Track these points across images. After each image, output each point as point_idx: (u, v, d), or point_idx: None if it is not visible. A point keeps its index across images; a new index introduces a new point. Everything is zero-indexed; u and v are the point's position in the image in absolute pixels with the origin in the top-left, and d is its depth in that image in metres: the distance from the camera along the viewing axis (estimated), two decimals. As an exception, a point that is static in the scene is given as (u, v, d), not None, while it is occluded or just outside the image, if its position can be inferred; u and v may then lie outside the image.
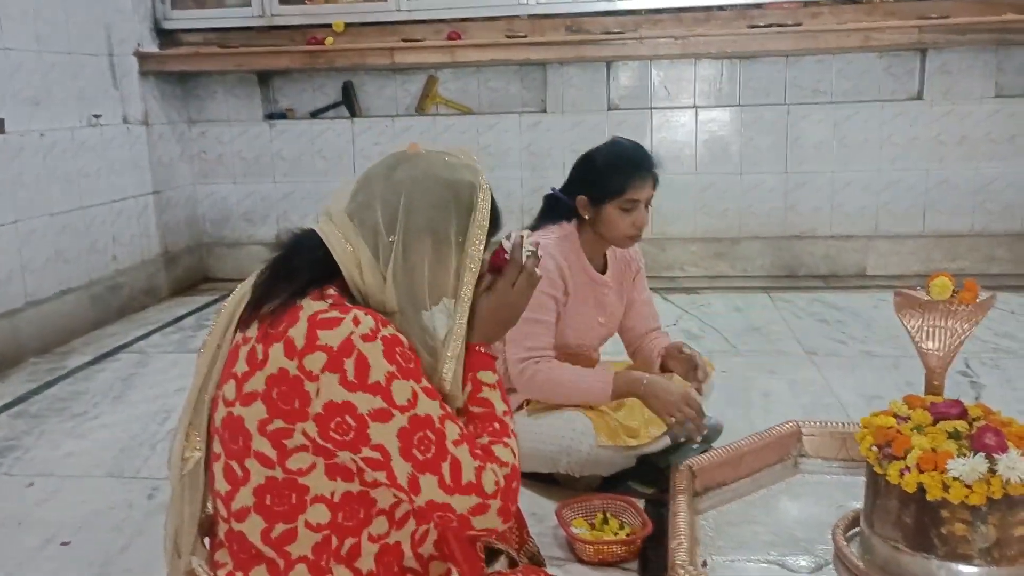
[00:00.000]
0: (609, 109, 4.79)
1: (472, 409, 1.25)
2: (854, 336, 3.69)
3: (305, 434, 1.12)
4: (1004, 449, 1.57)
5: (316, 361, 1.09)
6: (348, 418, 1.09)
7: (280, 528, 1.16)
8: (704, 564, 1.82)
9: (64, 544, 2.16)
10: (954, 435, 1.65)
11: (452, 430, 1.14)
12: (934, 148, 4.63)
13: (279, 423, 1.12)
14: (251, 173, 5.12)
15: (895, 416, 1.76)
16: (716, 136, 4.78)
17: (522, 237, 1.34)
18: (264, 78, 5.05)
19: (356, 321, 1.11)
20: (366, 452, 1.11)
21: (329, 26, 4.75)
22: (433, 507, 1.13)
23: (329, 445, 1.12)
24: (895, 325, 3.35)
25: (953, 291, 1.92)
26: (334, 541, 1.18)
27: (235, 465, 1.17)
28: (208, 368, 1.23)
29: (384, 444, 1.10)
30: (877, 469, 1.69)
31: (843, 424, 2.33)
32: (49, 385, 3.38)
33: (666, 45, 4.41)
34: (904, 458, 1.63)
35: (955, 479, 1.56)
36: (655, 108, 4.80)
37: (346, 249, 1.20)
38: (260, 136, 5.07)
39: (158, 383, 3.37)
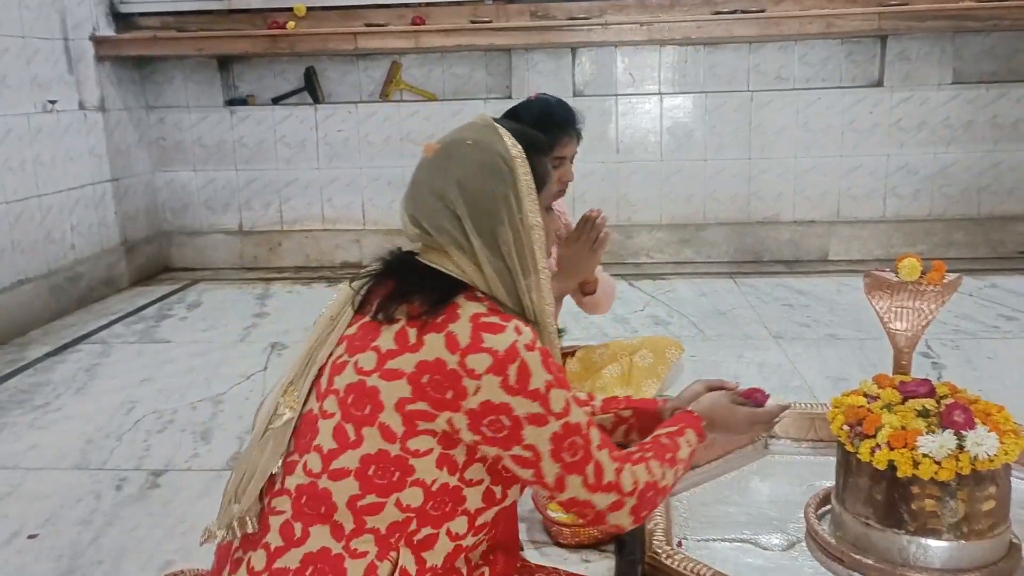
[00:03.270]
0: (574, 95, 4.78)
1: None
2: (818, 319, 3.75)
3: (450, 422, 1.17)
4: (972, 426, 1.61)
5: (480, 361, 1.15)
6: (503, 418, 1.16)
7: (370, 499, 1.18)
8: (679, 544, 1.84)
9: (31, 537, 2.12)
10: (923, 413, 1.68)
11: (595, 436, 1.24)
12: (894, 134, 4.71)
13: (423, 405, 1.16)
14: (212, 160, 5.03)
15: (865, 395, 1.79)
16: (680, 123, 4.81)
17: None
18: (224, 63, 4.96)
19: (518, 330, 1.18)
20: (517, 451, 1.19)
21: (290, 10, 4.68)
22: (574, 503, 1.25)
23: (477, 438, 1.17)
24: (858, 308, 3.43)
25: (921, 272, 1.96)
26: (413, 524, 1.19)
27: (350, 428, 1.19)
28: (321, 335, 1.28)
29: (536, 445, 1.19)
30: (848, 447, 1.72)
31: (811, 405, 2.36)
32: (8, 377, 3.30)
33: (631, 31, 4.42)
34: (875, 436, 1.67)
35: (925, 456, 1.60)
36: (620, 95, 4.82)
37: (463, 271, 1.23)
38: (221, 123, 4.98)
39: (121, 373, 3.31)
